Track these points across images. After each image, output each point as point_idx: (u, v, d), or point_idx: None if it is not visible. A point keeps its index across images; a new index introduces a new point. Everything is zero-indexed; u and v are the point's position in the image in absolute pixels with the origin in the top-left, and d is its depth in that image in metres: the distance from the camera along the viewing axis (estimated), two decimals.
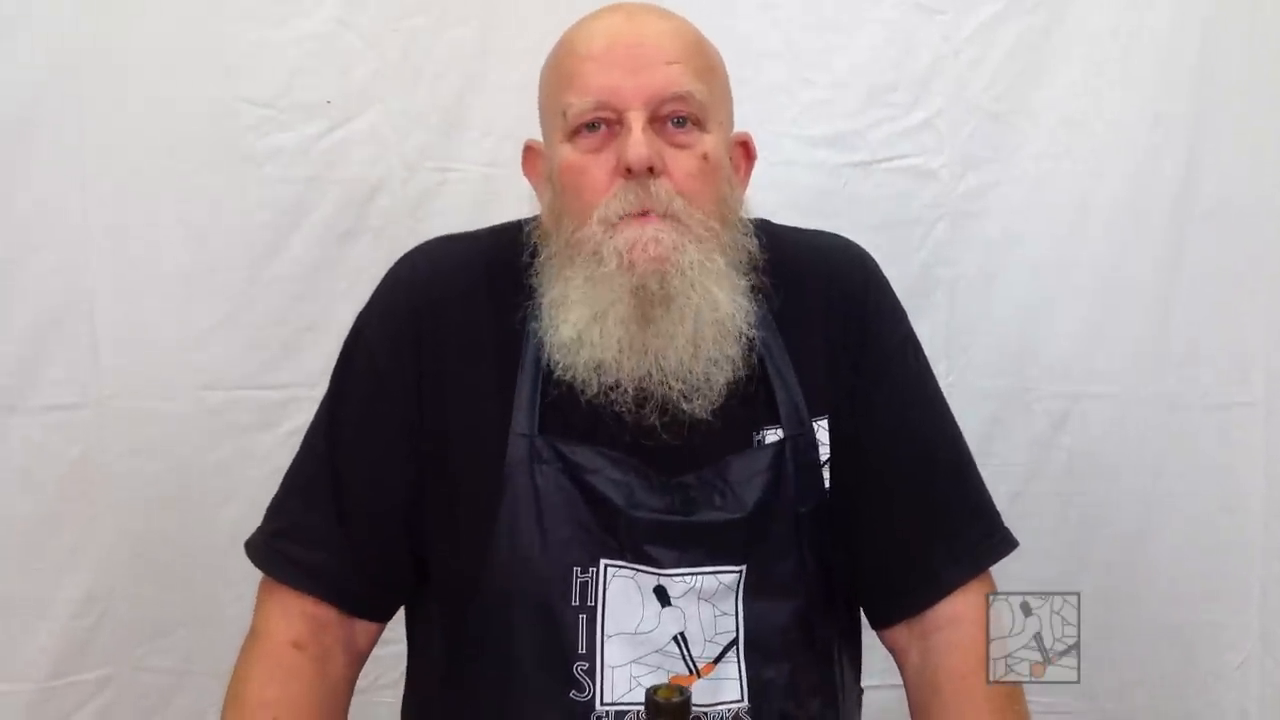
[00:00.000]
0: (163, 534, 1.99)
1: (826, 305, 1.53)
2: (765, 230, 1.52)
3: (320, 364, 1.88)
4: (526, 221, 1.54)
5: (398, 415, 1.49)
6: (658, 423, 1.42)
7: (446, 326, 1.49)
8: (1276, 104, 2.07)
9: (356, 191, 2.02)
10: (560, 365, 1.43)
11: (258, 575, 1.53)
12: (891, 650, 1.57)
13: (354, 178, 2.02)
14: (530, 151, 1.55)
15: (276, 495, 1.55)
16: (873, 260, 1.59)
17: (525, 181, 1.89)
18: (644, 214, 1.41)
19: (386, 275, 1.56)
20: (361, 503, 1.50)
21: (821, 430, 1.50)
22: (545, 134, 1.51)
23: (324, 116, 2.00)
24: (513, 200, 1.98)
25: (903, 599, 1.53)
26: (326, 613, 1.49)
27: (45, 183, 1.91)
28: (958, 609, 1.51)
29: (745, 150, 1.55)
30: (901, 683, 1.58)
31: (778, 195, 1.94)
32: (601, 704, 1.42)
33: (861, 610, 1.60)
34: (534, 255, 1.49)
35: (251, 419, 2.00)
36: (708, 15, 1.54)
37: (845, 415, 1.51)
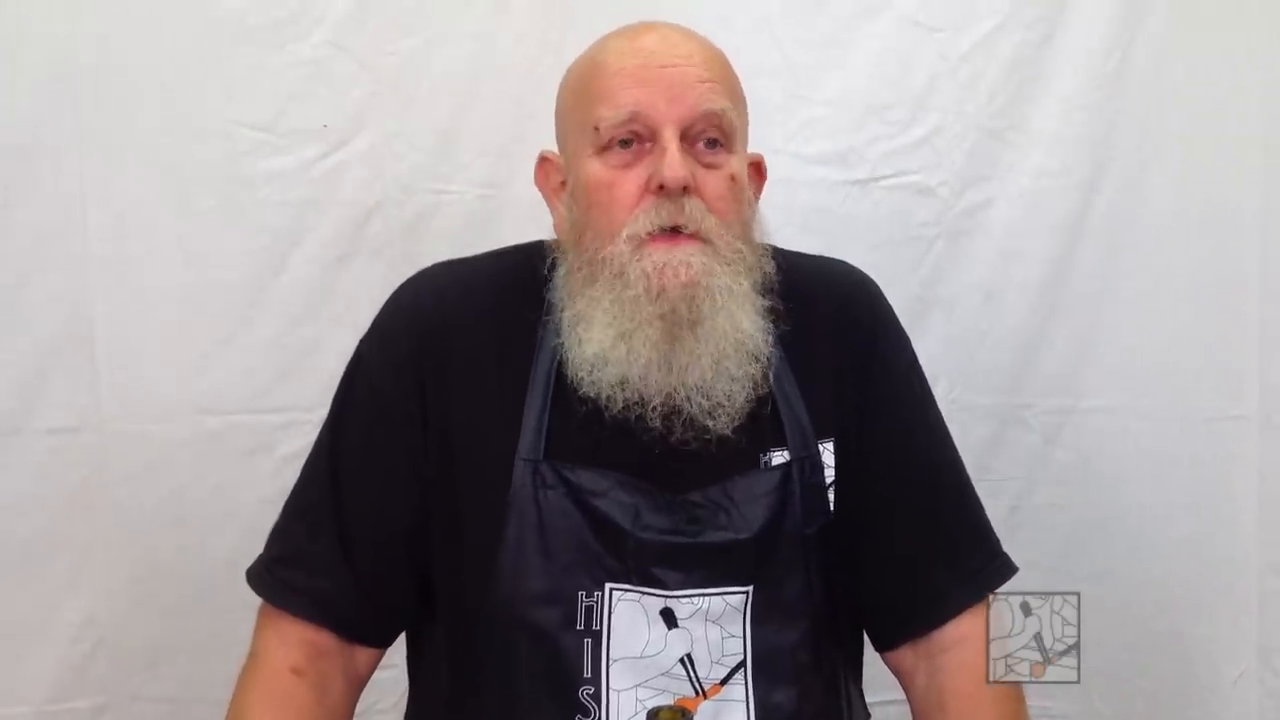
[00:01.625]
0: (162, 558, 1.98)
1: (834, 329, 1.56)
2: (773, 254, 1.54)
3: (318, 387, 1.88)
4: (547, 243, 1.55)
5: (400, 441, 1.50)
6: (691, 438, 1.44)
7: (450, 352, 1.50)
8: (1267, 117, 2.09)
9: (353, 214, 2.02)
10: (585, 382, 1.44)
11: (257, 601, 1.54)
12: (896, 672, 1.60)
13: (350, 200, 2.02)
14: (545, 163, 1.55)
15: (277, 522, 1.56)
16: (878, 288, 1.62)
17: (521, 202, 1.91)
18: (674, 230, 1.42)
19: (388, 301, 1.57)
20: (363, 529, 1.50)
21: (828, 453, 1.52)
22: (568, 149, 1.51)
23: (320, 140, 2.00)
24: (509, 220, 2.00)
25: (910, 620, 1.55)
26: (326, 639, 1.50)
27: (45, 208, 1.91)
28: (964, 630, 1.53)
29: (758, 171, 1.57)
30: (905, 699, 1.60)
31: (775, 214, 1.92)
32: None
33: (865, 632, 1.62)
34: (551, 271, 1.50)
35: (250, 443, 2.00)
36: (703, 33, 1.54)
37: (851, 438, 1.53)
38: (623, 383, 1.43)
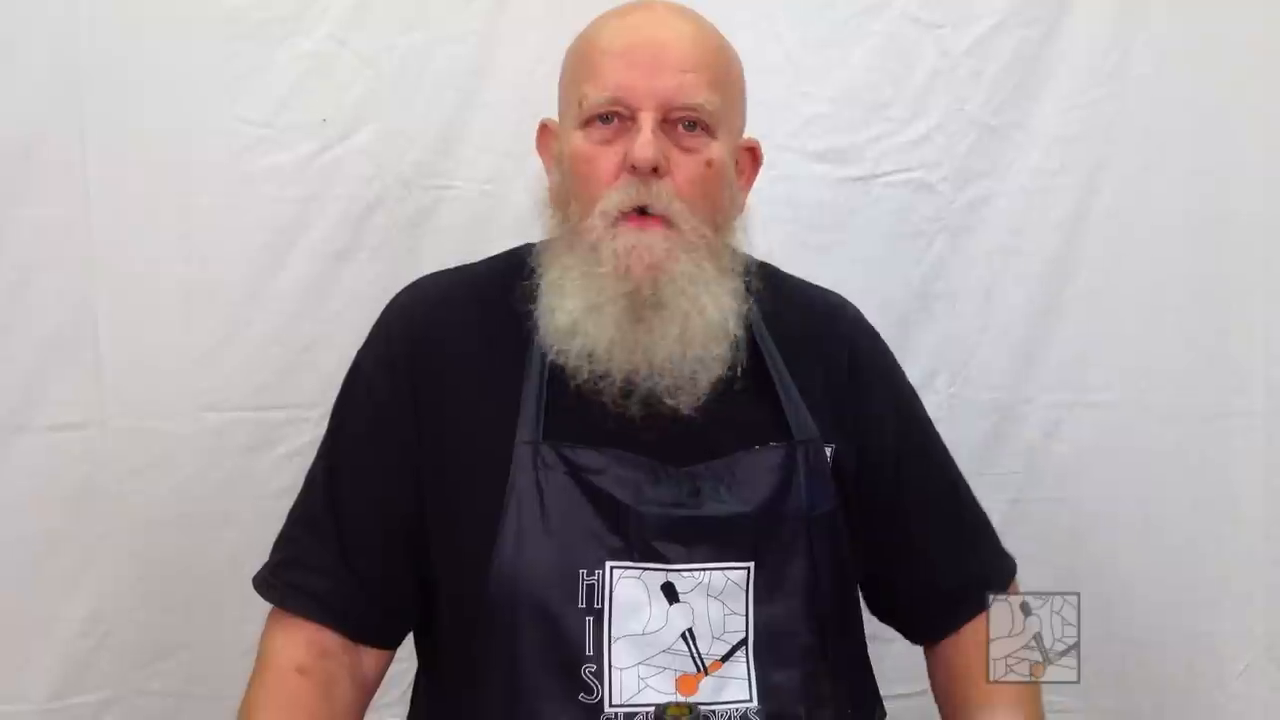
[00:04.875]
0: (165, 555, 2.01)
1: (831, 347, 1.62)
2: (768, 273, 1.61)
3: (319, 384, 1.91)
4: (531, 246, 1.59)
5: (398, 444, 1.54)
6: (638, 415, 1.49)
7: (442, 353, 1.55)
8: (1269, 115, 2.12)
9: (353, 210, 2.04)
10: (555, 350, 1.50)
11: (259, 598, 1.56)
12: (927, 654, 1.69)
13: (351, 196, 2.04)
14: (545, 130, 1.63)
15: (282, 528, 1.60)
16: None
17: (523, 199, 1.92)
18: (642, 211, 1.48)
19: (383, 311, 1.63)
20: (363, 533, 1.54)
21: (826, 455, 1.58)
22: (561, 117, 1.59)
23: (320, 135, 2.02)
24: (511, 217, 2.02)
25: (948, 617, 1.63)
26: (331, 639, 1.53)
27: (48, 205, 1.93)
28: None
29: (752, 156, 1.63)
30: (918, 691, 1.69)
31: (777, 210, 1.95)
32: (610, 705, 1.45)
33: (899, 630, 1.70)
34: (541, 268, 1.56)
35: (251, 440, 2.02)
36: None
37: (855, 449, 1.58)
38: (590, 355, 1.49)
